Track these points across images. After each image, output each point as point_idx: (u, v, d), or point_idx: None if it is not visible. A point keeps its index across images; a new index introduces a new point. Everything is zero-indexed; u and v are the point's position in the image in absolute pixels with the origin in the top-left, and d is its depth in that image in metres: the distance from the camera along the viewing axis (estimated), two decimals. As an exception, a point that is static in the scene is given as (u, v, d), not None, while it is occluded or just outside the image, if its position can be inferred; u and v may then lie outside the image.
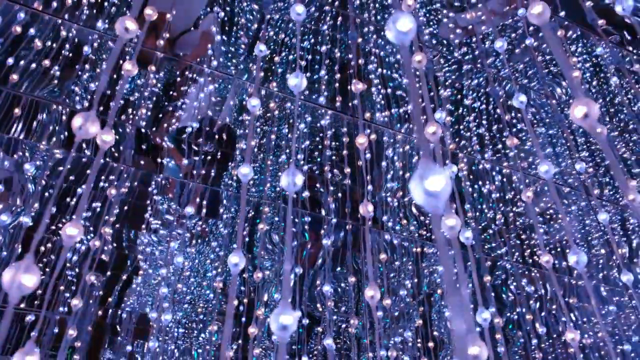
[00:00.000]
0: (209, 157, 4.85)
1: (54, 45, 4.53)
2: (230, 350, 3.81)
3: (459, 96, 6.48)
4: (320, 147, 5.73)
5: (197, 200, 4.93)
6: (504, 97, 5.54)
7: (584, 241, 6.42)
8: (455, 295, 0.87)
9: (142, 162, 5.25)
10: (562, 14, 5.10)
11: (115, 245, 5.57)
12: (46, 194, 5.00)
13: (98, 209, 4.59)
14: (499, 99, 4.80)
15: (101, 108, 4.51)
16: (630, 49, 4.49)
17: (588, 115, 1.51)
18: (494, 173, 6.07)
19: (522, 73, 6.22)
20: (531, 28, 4.92)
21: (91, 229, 4.75)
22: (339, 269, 6.41)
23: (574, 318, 5.89)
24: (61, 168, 5.04)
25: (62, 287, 4.52)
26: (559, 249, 7.04)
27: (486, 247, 6.67)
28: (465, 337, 0.76)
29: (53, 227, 5.00)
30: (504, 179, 6.34)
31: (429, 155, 1.06)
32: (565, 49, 4.47)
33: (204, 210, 4.92)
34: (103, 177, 4.67)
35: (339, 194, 5.23)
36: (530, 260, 6.36)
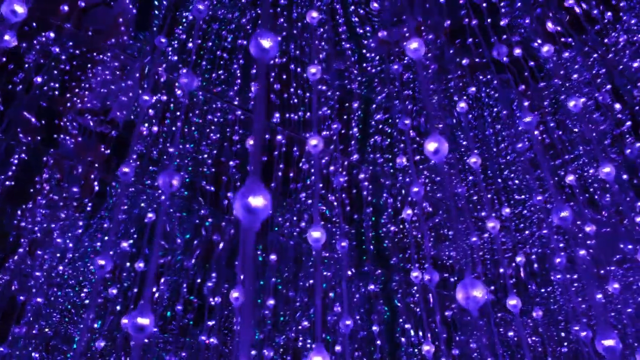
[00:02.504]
0: (106, 140, 4.65)
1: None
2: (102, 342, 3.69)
3: (375, 108, 6.69)
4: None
5: (88, 182, 4.70)
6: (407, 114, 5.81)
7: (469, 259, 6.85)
8: (246, 320, 0.92)
9: (34, 136, 4.91)
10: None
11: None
12: None
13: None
14: (398, 116, 5.03)
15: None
16: (523, 88, 4.88)
17: (438, 151, 1.64)
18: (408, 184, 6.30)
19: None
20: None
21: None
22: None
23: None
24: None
25: None
26: (448, 264, 7.50)
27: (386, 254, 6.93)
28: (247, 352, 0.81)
29: None
30: (403, 192, 6.63)
31: (258, 173, 1.11)
32: (469, 76, 4.76)
33: (93, 194, 4.70)
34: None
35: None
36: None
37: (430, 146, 1.57)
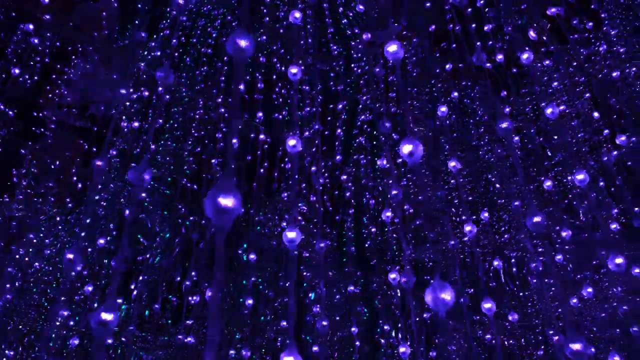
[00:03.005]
0: (85, 135, 4.58)
1: None
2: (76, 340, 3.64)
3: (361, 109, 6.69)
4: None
5: (66, 177, 4.63)
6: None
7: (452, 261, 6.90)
8: (213, 327, 0.92)
9: (9, 128, 4.82)
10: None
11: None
12: None
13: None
14: (379, 119, 5.04)
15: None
16: (505, 94, 4.92)
17: (413, 153, 1.65)
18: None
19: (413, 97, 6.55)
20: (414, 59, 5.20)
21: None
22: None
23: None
24: None
25: None
26: (429, 267, 7.55)
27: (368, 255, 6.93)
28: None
29: None
30: (388, 195, 6.63)
31: (230, 173, 1.11)
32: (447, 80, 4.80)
33: (71, 189, 4.63)
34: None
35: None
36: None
37: (405, 149, 1.58)
